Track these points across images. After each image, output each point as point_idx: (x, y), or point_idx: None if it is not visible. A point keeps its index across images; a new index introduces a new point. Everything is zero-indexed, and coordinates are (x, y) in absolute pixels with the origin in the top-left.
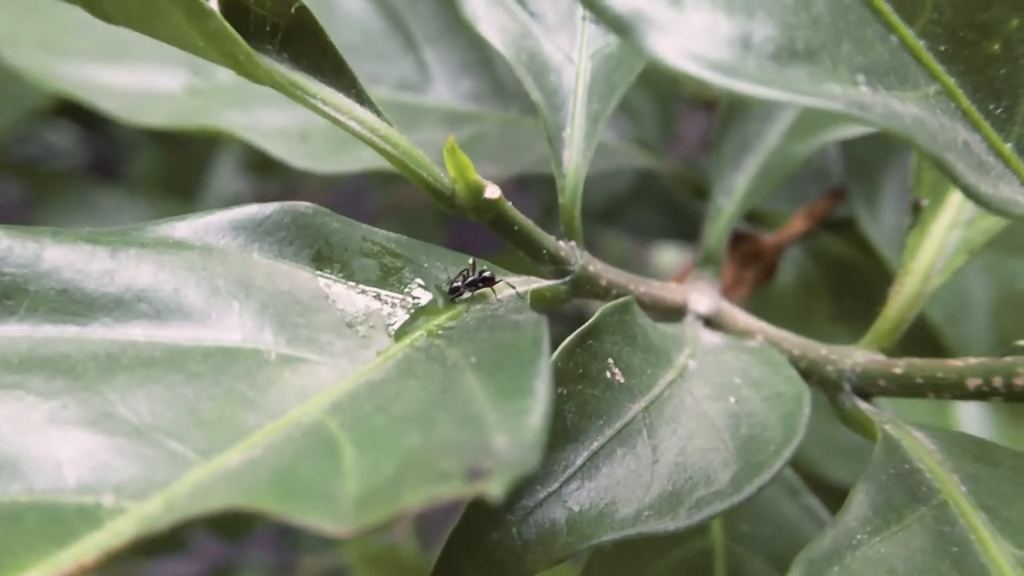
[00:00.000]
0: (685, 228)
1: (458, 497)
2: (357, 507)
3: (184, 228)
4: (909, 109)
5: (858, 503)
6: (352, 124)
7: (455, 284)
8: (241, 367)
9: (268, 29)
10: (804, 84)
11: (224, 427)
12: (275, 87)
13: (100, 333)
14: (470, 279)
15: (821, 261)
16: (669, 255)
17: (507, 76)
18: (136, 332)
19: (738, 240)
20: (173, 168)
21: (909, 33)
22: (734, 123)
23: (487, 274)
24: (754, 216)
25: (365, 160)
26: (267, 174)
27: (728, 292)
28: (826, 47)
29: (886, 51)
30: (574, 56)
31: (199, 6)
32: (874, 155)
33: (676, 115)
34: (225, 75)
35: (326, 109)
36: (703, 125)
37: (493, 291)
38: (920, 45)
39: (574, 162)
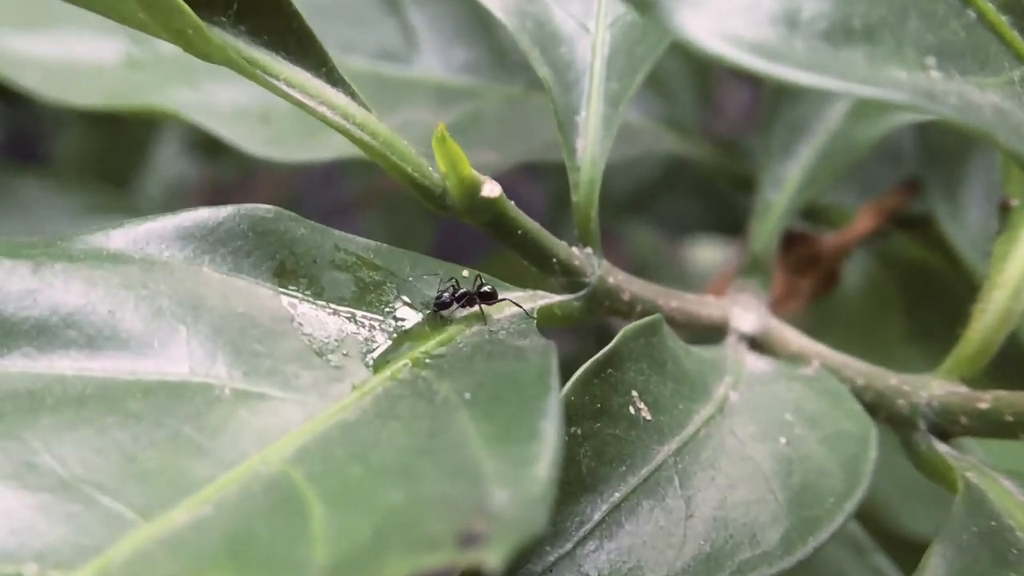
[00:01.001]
0: (727, 220)
1: (448, 566)
2: None
3: (121, 237)
4: (989, 98)
5: (934, 568)
6: (322, 109)
7: (442, 298)
8: (189, 406)
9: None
10: (862, 69)
11: (168, 480)
12: (230, 66)
13: (21, 366)
14: (460, 292)
15: (892, 267)
16: (708, 252)
17: (510, 43)
18: (64, 364)
19: (791, 241)
20: (106, 149)
21: (990, 7)
22: (786, 100)
23: (486, 288)
24: (811, 212)
25: (338, 146)
26: (218, 156)
27: (778, 306)
28: (888, 24)
29: (961, 28)
30: (590, 25)
31: None
32: (956, 139)
33: (714, 85)
34: (169, 44)
35: (291, 92)
36: (748, 96)
37: (482, 310)
38: (1003, 21)
39: (590, 152)
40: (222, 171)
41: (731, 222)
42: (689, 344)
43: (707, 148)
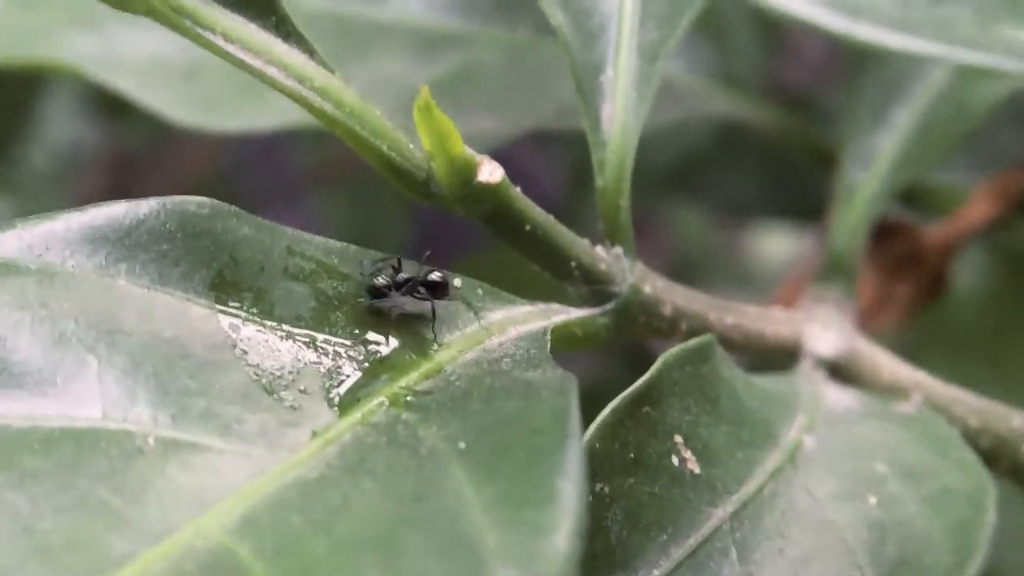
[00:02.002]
0: (802, 200)
1: None
2: None
3: (12, 241)
4: None
5: None
6: (271, 71)
7: (378, 283)
8: (102, 461)
9: None
10: (967, 28)
11: (78, 557)
12: (152, 16)
13: None
14: (403, 277)
15: (1018, 266)
16: (776, 243)
17: None
18: None
19: (884, 234)
20: None
21: None
22: (879, 57)
23: (435, 277)
24: (909, 195)
25: (287, 112)
26: (124, 118)
27: (867, 320)
28: None
29: None
30: None
31: None
32: None
33: (783, 31)
34: None
35: (230, 48)
36: (826, 45)
37: (433, 309)
38: None
39: (619, 122)
40: (130, 137)
41: (808, 204)
42: (750, 373)
43: (773, 110)
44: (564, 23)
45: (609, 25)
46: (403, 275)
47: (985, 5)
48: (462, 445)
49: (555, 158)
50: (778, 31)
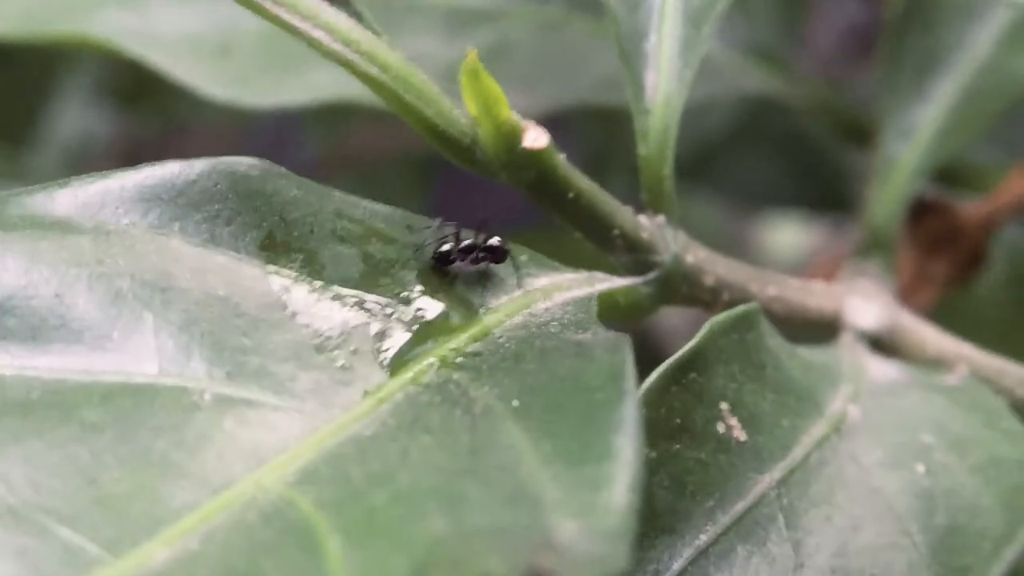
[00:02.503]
0: (819, 189)
1: None
2: None
3: (67, 200)
4: None
5: None
6: (318, 34)
7: (443, 250)
8: (160, 415)
9: None
10: None
11: (140, 507)
12: None
13: None
14: (467, 244)
15: None
16: (790, 233)
17: None
18: (1, 361)
19: (923, 212)
20: None
21: None
22: (918, 22)
23: (494, 242)
24: (948, 173)
25: (318, 86)
26: (138, 104)
27: (906, 295)
28: None
29: None
30: None
31: None
32: None
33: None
34: None
35: (276, 11)
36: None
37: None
38: None
39: (663, 90)
40: (142, 124)
41: (825, 191)
42: (793, 344)
43: (806, 84)
44: None
45: None
46: (467, 242)
47: None
48: (515, 403)
49: (573, 139)
50: (800, 7)
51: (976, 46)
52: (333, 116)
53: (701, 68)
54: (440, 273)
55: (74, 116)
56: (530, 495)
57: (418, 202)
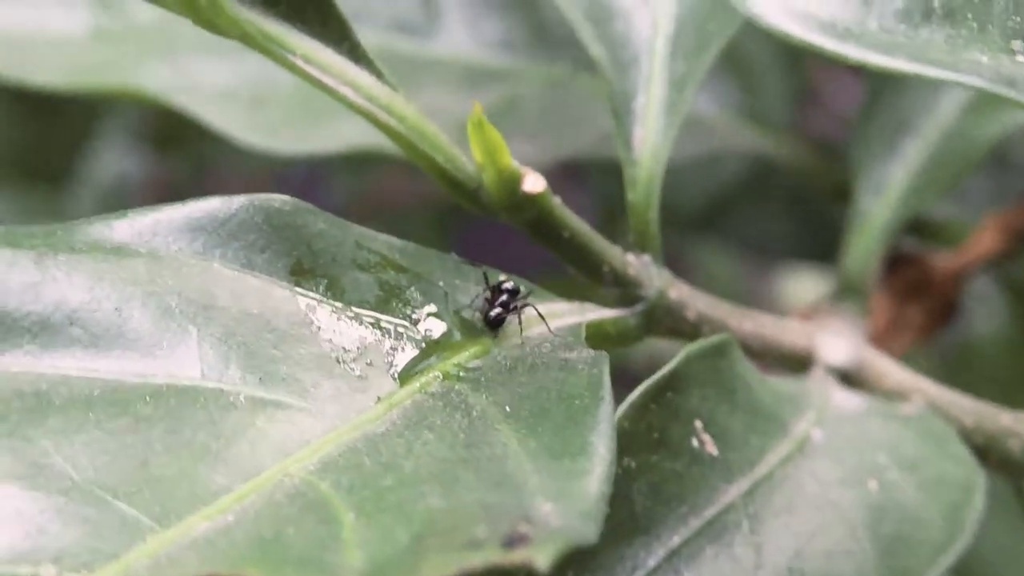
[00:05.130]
0: (825, 242)
1: (493, 566)
2: None
3: (125, 229)
4: None
5: None
6: (344, 90)
7: (494, 311)
8: (201, 412)
9: None
10: (940, 52)
11: (184, 487)
12: (244, 41)
13: (23, 364)
14: (515, 303)
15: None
16: (805, 284)
17: (551, 16)
18: (68, 364)
19: (898, 263)
20: (35, 139)
21: None
22: (890, 89)
23: (521, 290)
24: (918, 228)
25: (345, 136)
26: (171, 149)
27: (881, 340)
28: (971, 5)
29: None
30: None
31: None
32: None
33: (812, 72)
34: (145, 11)
35: (309, 70)
36: (856, 87)
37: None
38: None
39: (650, 143)
40: (174, 170)
41: (833, 245)
42: (766, 375)
43: (800, 148)
44: (602, 54)
45: (641, 57)
46: (516, 302)
47: (954, 33)
48: (507, 408)
49: (585, 189)
50: (804, 76)
51: (943, 110)
52: (360, 165)
53: (705, 129)
54: (490, 328)
55: (110, 159)
56: (516, 481)
57: (440, 248)
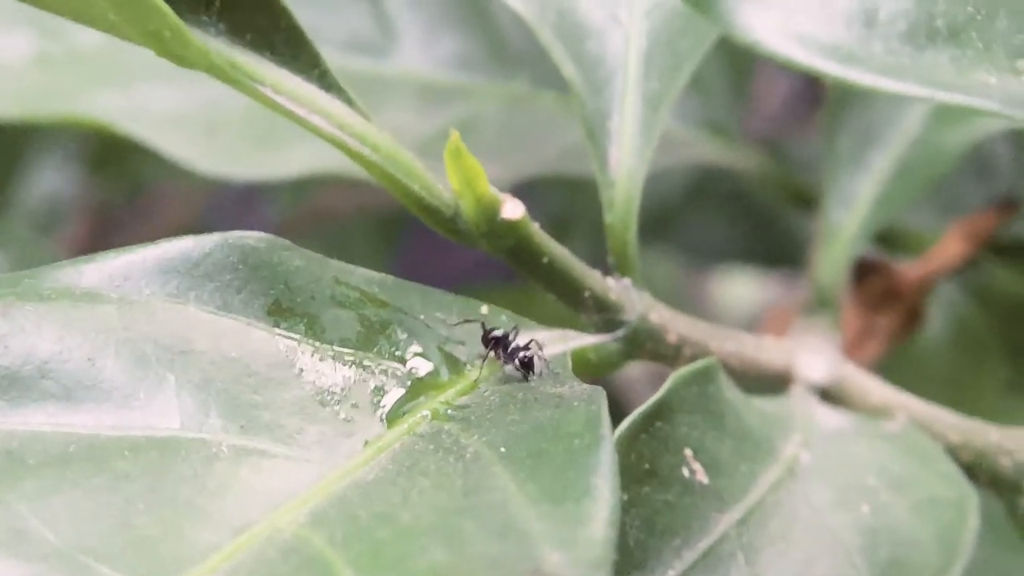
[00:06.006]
0: (770, 245)
1: None
2: None
3: (94, 273)
4: None
5: None
6: (316, 120)
7: (524, 355)
8: (184, 465)
9: None
10: (947, 74)
11: (170, 547)
12: (211, 72)
13: None
14: (513, 345)
15: (989, 302)
16: (743, 287)
17: (509, 31)
18: (39, 419)
19: (865, 272)
20: None
21: None
22: (856, 100)
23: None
24: (884, 237)
25: (302, 160)
26: (105, 168)
27: (851, 350)
28: (975, 24)
29: None
30: (622, 15)
31: None
32: None
33: (750, 75)
34: (89, 36)
35: (279, 99)
36: (787, 85)
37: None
38: None
39: (626, 164)
40: (109, 191)
41: (775, 248)
42: (747, 395)
43: (750, 155)
44: (574, 74)
45: (615, 77)
46: (513, 344)
47: (959, 54)
48: (503, 449)
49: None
50: (747, 81)
51: (907, 123)
52: (298, 183)
53: (665, 140)
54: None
55: (43, 180)
56: (520, 529)
57: (384, 260)
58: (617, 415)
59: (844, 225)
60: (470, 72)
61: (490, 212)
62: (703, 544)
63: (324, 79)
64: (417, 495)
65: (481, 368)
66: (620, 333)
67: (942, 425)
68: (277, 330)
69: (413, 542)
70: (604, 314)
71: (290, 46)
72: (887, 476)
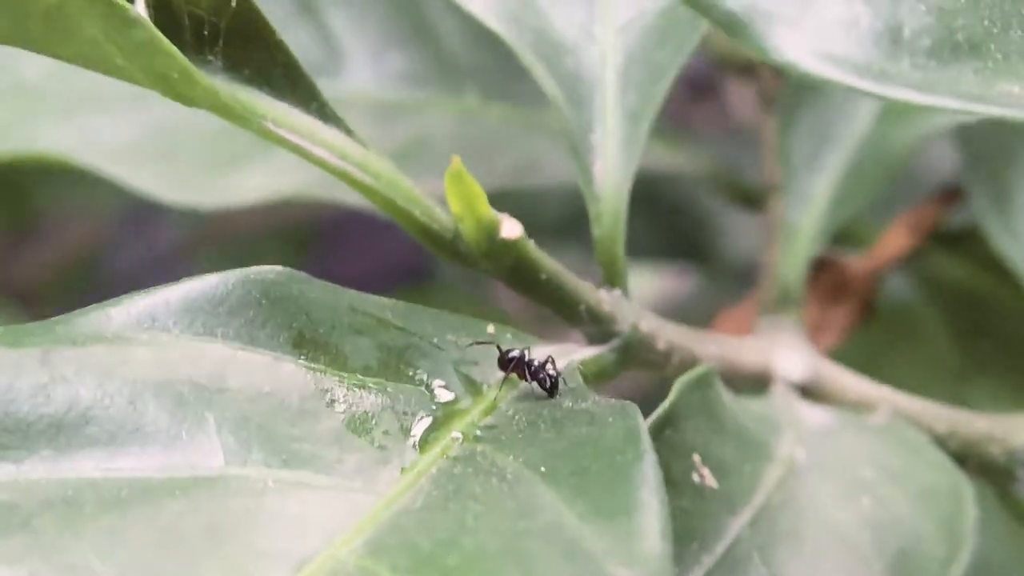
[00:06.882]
0: (678, 240)
1: None
2: None
3: (121, 316)
4: None
5: None
6: (318, 151)
7: (549, 372)
8: (234, 501)
9: (206, 34)
10: (973, 86)
11: None
12: (214, 110)
13: (43, 471)
14: (536, 365)
15: (935, 291)
16: (640, 279)
17: (456, 45)
18: (87, 465)
19: (820, 268)
20: None
21: None
22: (807, 105)
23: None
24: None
25: (261, 186)
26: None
27: (812, 342)
28: (993, 36)
29: None
30: (595, 30)
31: (122, 13)
32: (1002, 138)
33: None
34: (33, 67)
35: (280, 132)
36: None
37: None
38: None
39: (611, 178)
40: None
41: (687, 245)
42: (743, 401)
43: (699, 157)
44: (555, 91)
45: (594, 91)
46: (538, 362)
47: (982, 67)
48: (543, 469)
49: None
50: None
51: (859, 121)
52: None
53: None
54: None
55: None
56: (582, 548)
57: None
58: None
59: (802, 225)
60: (418, 88)
61: (490, 233)
62: (720, 547)
63: (322, 111)
64: (473, 520)
65: (500, 388)
66: (615, 344)
67: (927, 416)
68: (303, 361)
69: (486, 566)
70: (599, 326)
71: (288, 80)
72: (882, 468)
